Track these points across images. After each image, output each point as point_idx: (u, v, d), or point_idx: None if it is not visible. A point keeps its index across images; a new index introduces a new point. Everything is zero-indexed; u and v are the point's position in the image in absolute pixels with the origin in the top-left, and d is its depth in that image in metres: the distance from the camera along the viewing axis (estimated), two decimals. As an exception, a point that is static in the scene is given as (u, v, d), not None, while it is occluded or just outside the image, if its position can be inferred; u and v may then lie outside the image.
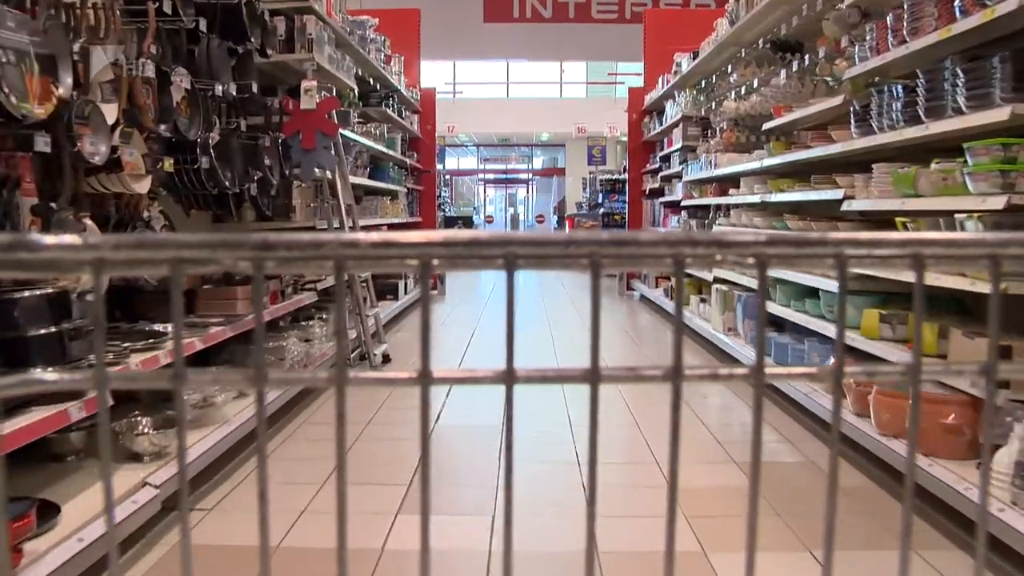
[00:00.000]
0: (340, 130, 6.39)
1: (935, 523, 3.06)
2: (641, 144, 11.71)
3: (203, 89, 4.24)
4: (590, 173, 18.96)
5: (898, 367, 0.66)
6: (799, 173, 5.63)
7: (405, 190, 10.31)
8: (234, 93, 4.60)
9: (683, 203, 8.75)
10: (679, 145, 9.05)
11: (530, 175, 31.21)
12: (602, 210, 15.40)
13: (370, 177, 8.28)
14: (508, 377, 0.59)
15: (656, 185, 10.57)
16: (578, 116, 23.01)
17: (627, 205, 12.12)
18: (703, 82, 8.41)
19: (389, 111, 9.16)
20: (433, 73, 25.76)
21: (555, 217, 27.27)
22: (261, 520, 0.62)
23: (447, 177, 27.95)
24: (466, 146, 30.42)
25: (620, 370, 0.62)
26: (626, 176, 13.71)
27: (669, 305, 8.57)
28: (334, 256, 0.58)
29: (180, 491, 0.66)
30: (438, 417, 4.70)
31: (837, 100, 4.41)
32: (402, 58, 10.14)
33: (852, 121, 4.19)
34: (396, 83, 9.52)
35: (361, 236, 0.59)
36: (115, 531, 0.69)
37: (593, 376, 0.60)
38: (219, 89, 4.33)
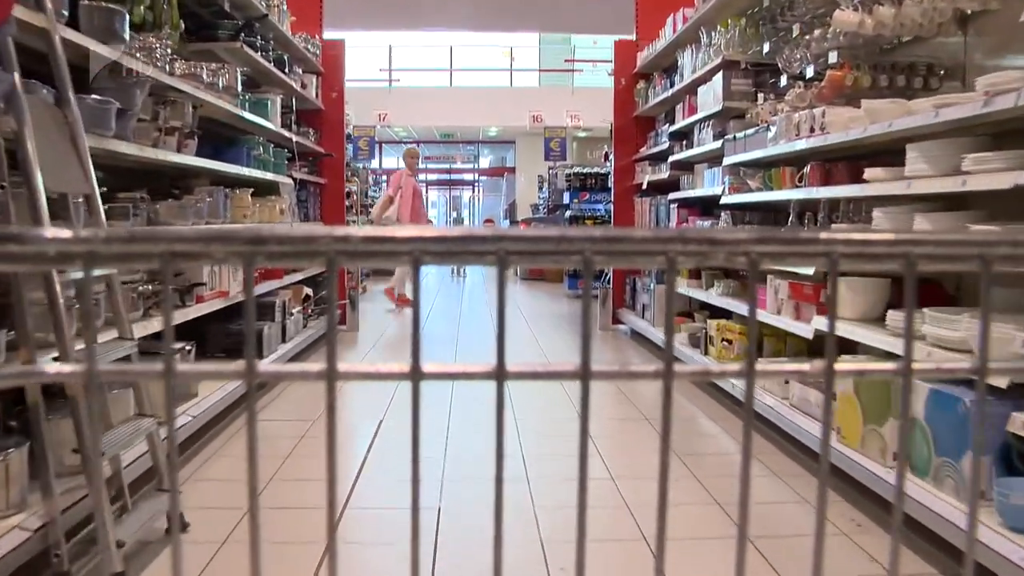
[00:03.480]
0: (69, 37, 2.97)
1: None
2: (632, 120, 8.41)
3: None
4: (549, 169, 15.61)
5: (890, 365, 0.65)
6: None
7: (292, 182, 6.86)
8: None
9: (725, 200, 5.46)
10: (714, 109, 5.75)
11: (476, 175, 27.87)
12: (569, 212, 12.08)
13: (212, 155, 4.82)
14: (499, 372, 0.60)
15: (663, 175, 7.26)
16: (531, 106, 19.66)
17: (612, 204, 8.80)
18: (764, 1, 5.12)
19: (254, 54, 5.71)
20: (364, 58, 22.45)
21: (506, 221, 23.90)
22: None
23: (383, 177, 24.64)
24: (404, 143, 26.95)
25: (612, 368, 0.62)
26: (608, 168, 10.56)
27: (706, 364, 5.26)
28: (326, 251, 0.58)
29: (171, 491, 0.50)
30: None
31: None
32: (284, -18, 6.69)
33: None
34: (269, 14, 6.07)
35: (353, 230, 0.58)
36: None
37: (584, 372, 0.60)
38: None
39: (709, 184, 5.93)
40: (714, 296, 5.66)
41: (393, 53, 22.45)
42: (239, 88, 5.26)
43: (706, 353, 5.49)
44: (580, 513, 0.62)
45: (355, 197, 10.75)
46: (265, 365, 0.61)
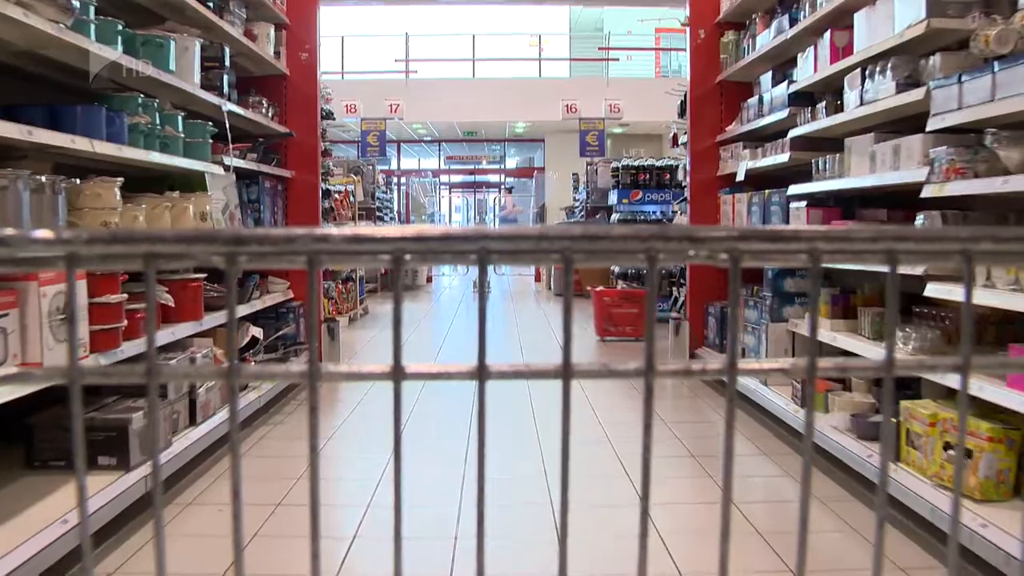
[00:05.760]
0: None
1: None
2: (715, 88, 6.07)
3: None
4: (588, 165, 13.27)
5: (871, 363, 0.63)
6: None
7: (227, 174, 4.62)
8: None
9: (931, 190, 3.10)
10: (903, 38, 3.40)
11: (502, 176, 25.58)
12: (616, 215, 9.74)
13: (48, 121, 2.60)
14: (480, 372, 0.59)
15: (778, 159, 4.90)
16: (563, 97, 17.32)
17: (688, 203, 6.46)
18: None
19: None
20: (379, 48, 20.33)
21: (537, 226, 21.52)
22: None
23: (400, 179, 22.62)
24: (424, 142, 24.74)
25: (593, 366, 0.61)
26: (670, 159, 8.29)
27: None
28: (306, 251, 0.58)
29: (155, 490, 0.61)
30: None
31: None
32: None
33: None
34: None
35: (334, 230, 0.58)
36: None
37: (565, 372, 0.59)
38: None
39: (881, 166, 3.59)
40: (901, 352, 3.33)
41: (410, 42, 20.35)
42: (92, 18, 2.99)
43: (899, 458, 3.14)
44: (562, 525, 0.60)
45: (347, 199, 8.48)
46: (248, 368, 0.60)
